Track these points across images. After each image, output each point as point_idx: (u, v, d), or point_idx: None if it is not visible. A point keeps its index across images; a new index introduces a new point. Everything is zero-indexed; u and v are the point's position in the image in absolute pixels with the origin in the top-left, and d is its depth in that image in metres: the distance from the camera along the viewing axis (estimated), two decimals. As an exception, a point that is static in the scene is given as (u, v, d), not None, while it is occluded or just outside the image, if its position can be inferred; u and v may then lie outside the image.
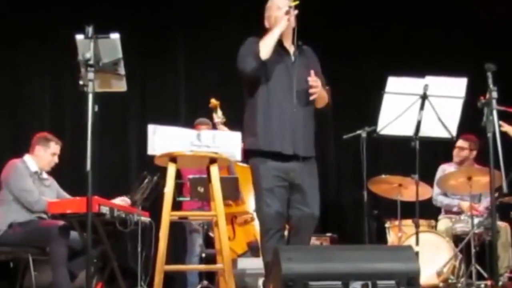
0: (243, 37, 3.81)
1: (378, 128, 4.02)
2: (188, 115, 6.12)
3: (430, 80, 4.00)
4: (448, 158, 5.92)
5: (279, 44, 3.80)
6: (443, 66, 4.52)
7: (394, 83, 3.97)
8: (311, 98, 3.76)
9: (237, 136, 3.80)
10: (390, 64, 6.16)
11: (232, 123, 5.26)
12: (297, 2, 3.77)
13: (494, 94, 3.53)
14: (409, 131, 4.04)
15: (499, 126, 3.58)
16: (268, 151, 3.73)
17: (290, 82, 3.77)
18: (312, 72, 3.76)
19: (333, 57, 6.40)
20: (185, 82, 6.62)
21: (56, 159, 4.85)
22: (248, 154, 3.83)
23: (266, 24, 3.91)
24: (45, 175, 4.84)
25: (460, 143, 5.73)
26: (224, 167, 5.07)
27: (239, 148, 3.78)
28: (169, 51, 6.61)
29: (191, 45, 6.63)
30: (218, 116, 5.47)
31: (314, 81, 3.75)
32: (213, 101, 5.52)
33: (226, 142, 3.74)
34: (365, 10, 6.88)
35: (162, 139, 3.60)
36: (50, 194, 4.76)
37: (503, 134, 4.38)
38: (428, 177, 5.57)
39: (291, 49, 3.87)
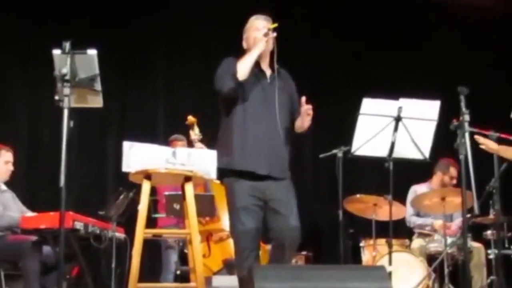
0: (223, 56, 3.83)
1: (353, 149, 4.06)
2: (167, 132, 6.10)
3: (404, 102, 4.04)
4: (422, 179, 5.97)
5: (256, 65, 3.84)
6: (419, 88, 4.59)
7: (368, 105, 4.01)
8: (305, 125, 3.78)
9: (212, 154, 3.77)
10: (367, 85, 6.23)
11: (209, 140, 5.22)
12: (275, 25, 3.81)
13: (466, 117, 3.57)
14: (383, 152, 4.08)
15: (478, 144, 3.64)
16: (242, 170, 3.74)
17: (266, 103, 3.80)
18: (303, 98, 3.77)
19: (312, 75, 6.57)
20: (164, 99, 6.64)
21: (11, 167, 4.78)
22: (222, 173, 3.84)
23: (244, 45, 3.94)
24: (3, 187, 4.78)
25: (454, 172, 5.79)
26: (200, 184, 5.06)
27: (214, 166, 3.75)
28: (148, 67, 6.64)
29: (171, 62, 6.64)
30: (195, 133, 5.45)
31: (310, 108, 3.77)
32: (190, 118, 5.51)
33: (201, 160, 3.70)
34: (341, 31, 7.00)
35: (137, 156, 3.57)
36: (14, 207, 4.70)
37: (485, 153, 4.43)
38: (402, 197, 5.64)
39: (267, 71, 3.92)
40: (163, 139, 5.69)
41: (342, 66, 7.06)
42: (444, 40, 6.98)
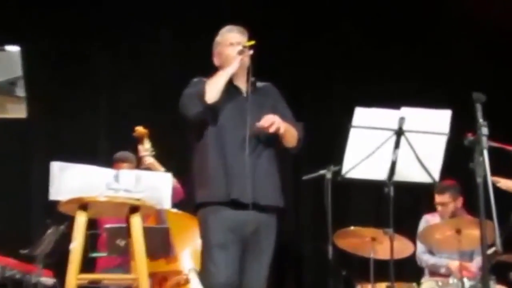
0: (178, 53, 3.90)
1: (344, 170, 4.09)
2: (109, 149, 6.13)
3: (406, 112, 4.09)
4: (433, 206, 6.00)
5: (229, 82, 4.08)
6: (421, 96, 4.70)
7: (362, 115, 4.04)
8: (271, 130, 4.00)
9: (167, 177, 3.83)
10: (359, 92, 6.39)
11: (164, 157, 5.28)
12: (252, 42, 4.07)
13: (484, 130, 3.62)
14: (381, 174, 4.12)
15: (495, 183, 3.69)
16: (223, 201, 3.98)
17: (244, 122, 4.01)
18: (264, 118, 4.00)
19: (293, 81, 6.67)
20: (106, 105, 6.67)
21: None
22: (199, 208, 4.08)
23: (215, 61, 4.23)
24: None
25: (439, 199, 5.88)
26: (151, 214, 5.07)
27: (169, 192, 3.81)
28: (87, 68, 6.67)
29: (116, 60, 6.69)
30: (146, 149, 5.45)
31: (266, 121, 3.99)
32: (140, 130, 5.49)
33: (153, 185, 3.75)
34: (331, 28, 7.20)
35: (70, 181, 3.58)
36: None
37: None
38: (408, 230, 5.66)
39: (243, 86, 4.18)
40: (104, 159, 5.72)
41: (330, 71, 7.22)
42: (452, 38, 7.19)
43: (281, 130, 4.04)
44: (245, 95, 4.16)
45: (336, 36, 7.25)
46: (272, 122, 4.01)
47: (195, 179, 4.14)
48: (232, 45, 4.15)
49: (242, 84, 4.18)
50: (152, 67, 6.50)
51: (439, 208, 5.94)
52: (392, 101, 4.20)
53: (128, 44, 6.76)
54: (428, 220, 5.93)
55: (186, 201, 5.25)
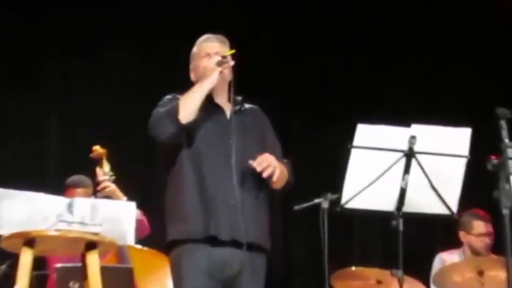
0: (140, 58, 3.94)
1: (343, 199, 4.10)
2: (60, 173, 6.13)
3: (418, 130, 4.08)
4: (449, 243, 6.03)
5: (208, 99, 4.17)
6: (435, 111, 4.71)
7: (365, 134, 4.05)
8: (265, 174, 4.07)
9: (130, 207, 3.84)
10: (361, 107, 6.51)
11: (126, 182, 5.30)
12: (232, 51, 4.17)
13: (511, 152, 3.65)
14: (388, 204, 4.13)
15: None
16: (201, 238, 4.03)
17: (226, 147, 4.12)
18: (261, 157, 4.07)
19: (283, 99, 6.87)
20: (57, 121, 6.69)
21: None
22: (171, 246, 4.14)
23: (192, 76, 4.33)
24: None
25: (487, 228, 5.89)
26: (111, 251, 5.04)
27: (133, 225, 3.81)
28: (33, 74, 6.71)
29: (68, 66, 6.78)
30: (105, 172, 5.46)
31: (261, 162, 4.06)
32: (98, 149, 5.50)
33: (114, 216, 3.75)
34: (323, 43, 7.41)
35: (13, 211, 3.57)
36: None
37: None
38: (420, 271, 5.66)
39: (226, 106, 4.26)
40: (55, 184, 5.72)
41: (325, 87, 7.35)
42: (472, 46, 7.33)
43: (274, 177, 4.10)
44: (227, 115, 4.24)
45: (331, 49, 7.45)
46: (267, 164, 4.06)
47: (167, 212, 4.19)
48: (210, 56, 4.23)
49: (223, 102, 4.26)
50: (111, 77, 6.58)
51: (486, 240, 5.93)
52: (400, 118, 4.22)
53: (83, 52, 6.85)
54: (444, 259, 5.94)
55: (155, 238, 5.24)
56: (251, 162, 4.08)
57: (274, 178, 4.11)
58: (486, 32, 7.38)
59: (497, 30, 7.30)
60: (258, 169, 4.06)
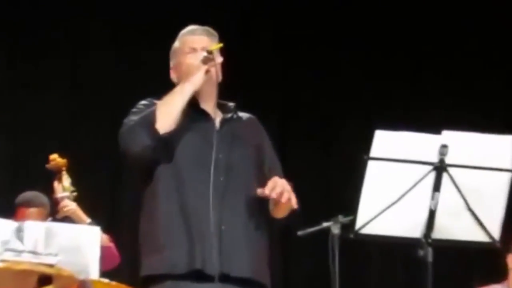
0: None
1: (358, 223, 4.04)
2: (9, 189, 6.17)
3: (450, 137, 4.03)
4: (489, 276, 6.03)
5: (192, 105, 4.16)
6: (468, 116, 4.71)
7: (385, 142, 3.99)
8: (283, 199, 4.04)
9: (94, 233, 3.82)
10: (379, 111, 6.68)
11: (89, 200, 5.30)
12: (220, 45, 4.17)
13: None
14: (414, 230, 4.07)
15: None
16: (182, 274, 4.01)
17: (214, 161, 4.09)
18: (272, 182, 4.03)
19: (284, 109, 7.11)
20: (7, 125, 6.73)
21: None
22: (147, 282, 4.11)
23: (173, 76, 4.32)
24: None
25: None
26: (71, 286, 5.02)
27: (97, 255, 3.77)
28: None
29: (14, 62, 6.94)
30: (65, 187, 5.50)
31: (272, 189, 4.01)
32: (56, 159, 5.53)
33: (74, 244, 3.72)
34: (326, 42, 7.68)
35: None
36: None
37: None
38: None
39: (215, 113, 4.26)
40: (5, 204, 5.68)
41: (333, 92, 7.54)
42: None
43: (294, 204, 4.09)
44: (216, 124, 4.24)
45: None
46: (281, 190, 4.02)
47: (141, 240, 4.18)
48: (194, 52, 4.21)
49: (211, 108, 4.25)
50: (70, 74, 6.72)
51: None
52: (428, 124, 4.30)
53: (31, 41, 7.01)
54: (484, 295, 6.08)
55: (126, 269, 5.26)
56: (260, 190, 4.05)
57: (294, 205, 4.10)
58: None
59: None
60: (273, 195, 4.02)
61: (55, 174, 5.52)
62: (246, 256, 4.11)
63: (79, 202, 5.42)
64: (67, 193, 5.46)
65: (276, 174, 4.17)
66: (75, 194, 5.47)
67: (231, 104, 4.32)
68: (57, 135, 6.43)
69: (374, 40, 7.84)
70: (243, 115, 4.37)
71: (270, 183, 4.04)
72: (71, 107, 6.60)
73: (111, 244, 5.37)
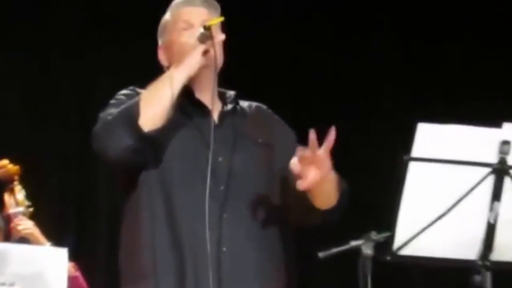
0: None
1: (397, 242, 3.88)
2: None
3: (512, 131, 3.70)
4: None
5: (185, 95, 3.97)
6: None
7: (430, 138, 3.84)
8: (302, 186, 3.82)
9: (58, 255, 3.89)
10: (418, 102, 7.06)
11: (50, 216, 5.34)
12: (221, 19, 4.00)
13: None
14: (467, 250, 3.94)
15: None
16: None
17: (211, 165, 3.94)
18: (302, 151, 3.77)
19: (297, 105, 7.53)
20: None
21: None
22: None
23: (162, 58, 4.18)
24: None
25: None
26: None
27: (64, 283, 3.86)
28: None
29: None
30: (18, 201, 5.59)
31: (303, 157, 3.75)
32: (7, 166, 5.62)
33: (33, 270, 3.83)
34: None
35: None
36: None
37: None
38: None
39: (213, 105, 4.08)
40: None
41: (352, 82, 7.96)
42: None
43: (306, 186, 3.81)
44: (215, 118, 4.07)
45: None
46: (306, 171, 3.78)
47: (121, 265, 4.08)
48: (191, 28, 4.04)
49: (209, 99, 4.08)
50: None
51: None
52: (484, 116, 4.08)
53: None
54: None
55: None
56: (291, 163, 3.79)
57: (307, 186, 3.83)
58: None
59: None
60: (299, 170, 3.80)
61: (5, 185, 5.57)
62: (255, 284, 4.04)
63: (36, 220, 5.40)
64: (21, 209, 5.47)
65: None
66: (31, 209, 5.48)
67: (231, 92, 4.16)
68: (8, 136, 6.49)
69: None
70: (247, 104, 4.23)
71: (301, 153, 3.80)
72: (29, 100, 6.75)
73: (78, 273, 5.39)
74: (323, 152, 3.80)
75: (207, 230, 3.90)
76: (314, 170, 3.82)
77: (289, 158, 3.96)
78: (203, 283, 3.92)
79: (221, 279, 3.94)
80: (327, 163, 3.84)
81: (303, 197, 3.95)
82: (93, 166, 4.31)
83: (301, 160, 3.78)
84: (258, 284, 4.04)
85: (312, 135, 3.74)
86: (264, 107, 4.31)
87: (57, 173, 5.63)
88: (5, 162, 5.57)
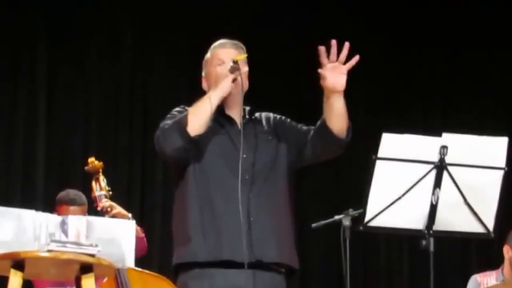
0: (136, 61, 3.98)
1: (367, 217, 4.13)
2: (50, 188, 6.18)
3: (450, 139, 4.13)
4: (485, 264, 6.02)
5: (219, 111, 4.28)
6: (465, 120, 4.75)
7: (391, 144, 4.09)
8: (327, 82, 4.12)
9: (129, 226, 3.95)
10: (384, 116, 6.63)
11: (124, 198, 5.42)
12: (244, 55, 4.28)
13: None
14: (417, 222, 4.17)
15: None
16: (210, 261, 4.11)
17: (237, 160, 4.19)
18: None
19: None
20: (45, 126, 6.71)
21: None
22: (177, 271, 4.21)
23: (204, 85, 4.44)
24: None
25: None
26: (109, 275, 5.06)
27: (133, 246, 3.90)
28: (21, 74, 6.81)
29: (54, 58, 6.87)
30: (102, 187, 5.57)
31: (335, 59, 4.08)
32: (93, 162, 5.62)
33: (112, 236, 3.83)
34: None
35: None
36: None
37: None
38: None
39: (238, 118, 4.35)
40: (44, 200, 5.83)
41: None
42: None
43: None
44: (239, 126, 4.33)
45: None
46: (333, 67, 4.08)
47: (173, 233, 4.29)
48: (222, 63, 4.32)
49: (236, 114, 4.35)
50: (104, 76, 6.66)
51: None
52: (429, 127, 4.25)
53: (70, 47, 6.96)
54: (479, 281, 5.90)
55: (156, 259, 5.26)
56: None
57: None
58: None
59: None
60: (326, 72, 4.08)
61: (92, 175, 5.64)
62: (275, 243, 4.17)
63: (114, 200, 5.51)
64: (104, 192, 5.53)
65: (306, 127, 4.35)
66: (110, 193, 5.57)
67: (247, 108, 4.39)
68: (96, 134, 6.48)
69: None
70: (258, 114, 4.45)
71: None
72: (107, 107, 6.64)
73: (143, 235, 5.46)
74: (343, 65, 4.10)
75: (240, 205, 4.07)
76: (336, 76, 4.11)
77: (294, 136, 4.34)
78: (238, 244, 4.08)
79: (252, 241, 4.09)
80: (344, 75, 4.10)
81: (324, 130, 4.21)
82: (153, 161, 4.37)
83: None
84: (276, 243, 4.18)
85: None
86: (267, 113, 4.49)
87: (126, 167, 5.58)
88: (92, 159, 5.64)
